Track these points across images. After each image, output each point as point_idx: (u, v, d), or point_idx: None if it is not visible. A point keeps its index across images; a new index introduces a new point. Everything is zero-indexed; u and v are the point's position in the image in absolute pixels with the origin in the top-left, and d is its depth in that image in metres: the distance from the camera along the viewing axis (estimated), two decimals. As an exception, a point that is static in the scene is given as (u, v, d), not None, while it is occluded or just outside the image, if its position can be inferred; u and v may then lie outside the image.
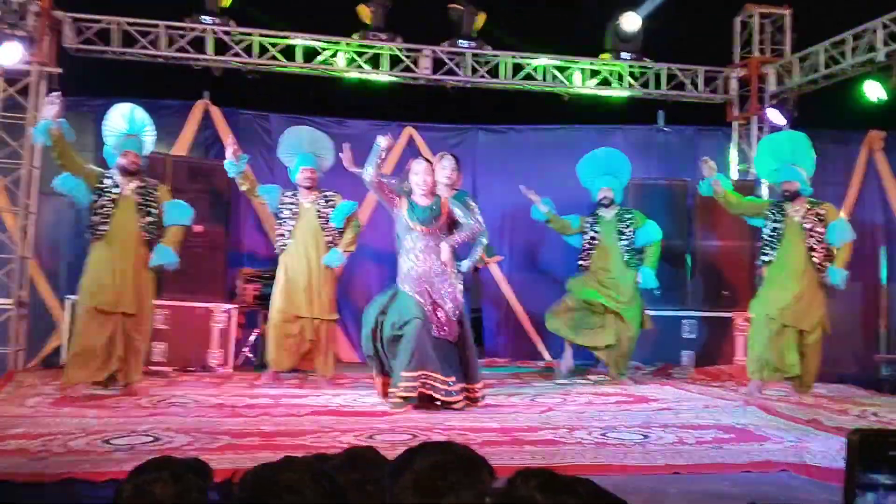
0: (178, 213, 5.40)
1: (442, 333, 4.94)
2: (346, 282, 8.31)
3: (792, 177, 5.85)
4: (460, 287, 5.09)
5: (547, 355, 8.40)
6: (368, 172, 4.89)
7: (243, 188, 6.17)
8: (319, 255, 6.03)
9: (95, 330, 5.08)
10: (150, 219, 5.28)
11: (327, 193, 6.18)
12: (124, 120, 5.39)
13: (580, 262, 6.75)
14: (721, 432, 4.35)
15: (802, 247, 5.80)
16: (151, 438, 3.89)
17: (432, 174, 5.10)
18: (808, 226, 5.80)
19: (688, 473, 3.46)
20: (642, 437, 4.20)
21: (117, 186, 5.24)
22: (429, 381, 4.80)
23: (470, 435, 4.15)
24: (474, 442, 3.96)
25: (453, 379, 4.86)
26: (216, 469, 3.28)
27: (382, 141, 4.93)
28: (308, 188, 6.10)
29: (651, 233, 6.69)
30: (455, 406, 4.85)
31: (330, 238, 6.08)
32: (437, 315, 4.92)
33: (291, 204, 6.08)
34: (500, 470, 3.50)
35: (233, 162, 5.98)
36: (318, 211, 6.07)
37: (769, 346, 5.77)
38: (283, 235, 6.10)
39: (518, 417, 4.80)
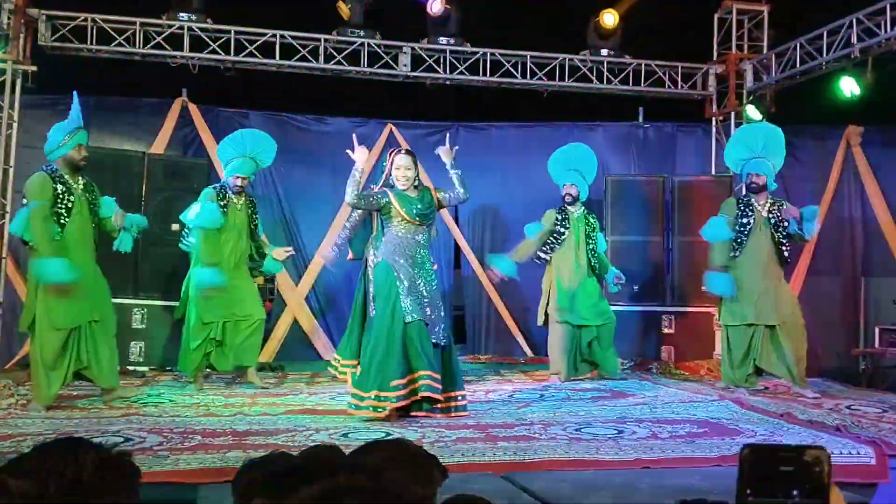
0: (111, 204, 5.21)
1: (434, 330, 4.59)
2: (324, 280, 8.29)
3: (761, 169, 5.86)
4: (438, 284, 4.82)
5: (529, 352, 8.41)
6: (350, 195, 4.62)
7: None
8: (243, 256, 6.03)
9: (64, 349, 4.81)
10: (96, 218, 5.06)
11: (253, 199, 6.24)
12: (76, 111, 5.07)
13: (540, 254, 6.53)
14: (695, 427, 4.37)
15: (769, 241, 5.83)
16: (122, 439, 3.87)
17: (415, 167, 4.76)
18: (773, 220, 5.84)
19: (659, 467, 3.49)
20: (616, 432, 4.21)
21: (71, 193, 4.90)
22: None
23: (445, 432, 4.15)
24: (449, 439, 3.97)
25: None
26: (185, 469, 3.30)
27: (358, 160, 4.68)
28: (237, 194, 6.04)
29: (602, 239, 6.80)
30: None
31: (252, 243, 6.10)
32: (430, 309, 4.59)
33: (225, 206, 5.93)
34: (472, 467, 3.51)
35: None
36: (250, 214, 6.07)
37: (743, 353, 5.78)
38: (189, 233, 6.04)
39: (494, 414, 4.81)
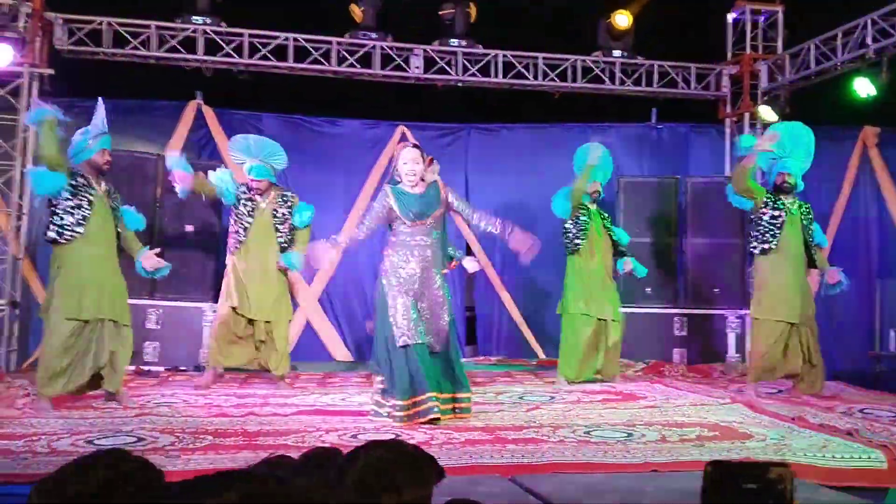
0: (136, 218, 5.28)
1: (434, 342, 4.65)
2: (338, 280, 8.32)
3: (792, 169, 5.74)
4: (447, 291, 4.76)
5: (540, 353, 8.40)
6: (362, 233, 4.72)
7: (204, 196, 6.06)
8: (271, 256, 5.95)
9: (75, 340, 4.83)
10: (120, 224, 5.12)
11: (286, 193, 6.10)
12: (102, 117, 5.14)
13: (577, 242, 6.51)
14: (705, 430, 4.35)
15: (801, 239, 5.76)
16: (135, 439, 3.91)
17: (422, 161, 4.66)
18: (805, 221, 5.78)
19: (667, 471, 3.47)
20: (626, 435, 4.21)
21: (92, 187, 4.98)
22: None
23: (454, 434, 4.16)
24: (457, 441, 3.98)
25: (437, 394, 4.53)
26: (196, 469, 3.33)
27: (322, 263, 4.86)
28: (260, 195, 6.01)
29: (623, 236, 6.76)
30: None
31: (283, 239, 5.98)
32: (430, 321, 4.62)
33: (248, 200, 5.99)
34: (479, 468, 3.51)
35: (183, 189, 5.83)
36: (274, 211, 5.99)
37: (776, 349, 5.65)
38: (237, 233, 6.01)
39: (503, 416, 4.81)
